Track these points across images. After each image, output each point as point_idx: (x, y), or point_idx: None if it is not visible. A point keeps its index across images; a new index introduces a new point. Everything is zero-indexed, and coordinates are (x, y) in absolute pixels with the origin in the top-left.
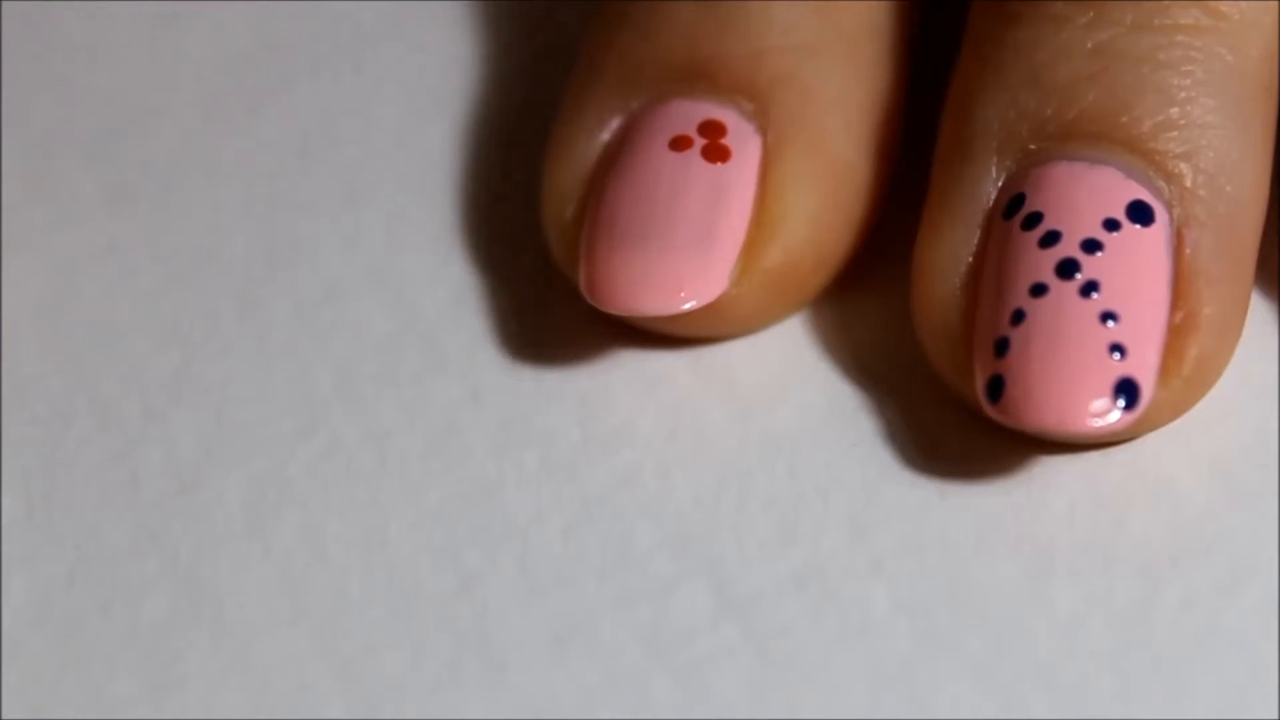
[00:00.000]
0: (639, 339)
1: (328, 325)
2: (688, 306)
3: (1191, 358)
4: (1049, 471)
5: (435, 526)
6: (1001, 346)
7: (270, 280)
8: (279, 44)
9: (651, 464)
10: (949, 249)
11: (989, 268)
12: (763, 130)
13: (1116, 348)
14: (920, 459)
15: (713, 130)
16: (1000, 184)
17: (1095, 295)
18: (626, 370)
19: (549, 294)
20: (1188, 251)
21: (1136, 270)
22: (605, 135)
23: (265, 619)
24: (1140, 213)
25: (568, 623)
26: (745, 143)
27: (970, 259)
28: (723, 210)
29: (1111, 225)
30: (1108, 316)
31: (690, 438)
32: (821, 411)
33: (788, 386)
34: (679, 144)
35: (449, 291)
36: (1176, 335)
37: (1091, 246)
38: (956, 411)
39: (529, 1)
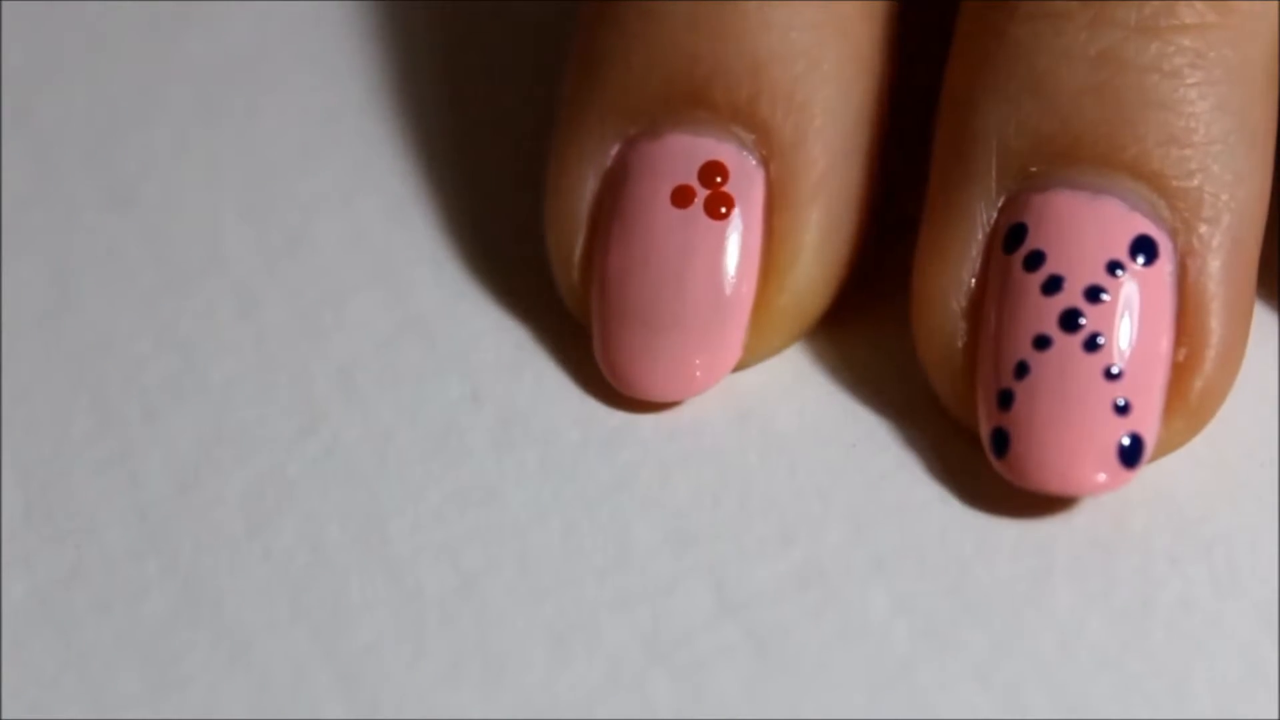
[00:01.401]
0: None
1: (328, 325)
2: (703, 382)
3: (1196, 392)
4: None
5: (435, 526)
6: (1005, 399)
7: (270, 280)
8: (279, 44)
9: (651, 464)
10: (951, 274)
11: (990, 304)
12: (765, 162)
13: (1121, 406)
14: (920, 459)
15: (714, 174)
16: (1000, 205)
17: (1099, 347)
18: None
19: (549, 294)
20: (1191, 280)
21: (1140, 315)
22: (605, 162)
23: (265, 619)
24: (1144, 248)
25: (568, 623)
26: (749, 186)
27: (972, 281)
28: (731, 274)
29: (1114, 267)
30: (1112, 371)
31: (690, 438)
32: (821, 411)
33: (788, 387)
34: (681, 198)
35: (449, 291)
36: (1181, 373)
37: (1094, 294)
38: None
39: (528, 1)
